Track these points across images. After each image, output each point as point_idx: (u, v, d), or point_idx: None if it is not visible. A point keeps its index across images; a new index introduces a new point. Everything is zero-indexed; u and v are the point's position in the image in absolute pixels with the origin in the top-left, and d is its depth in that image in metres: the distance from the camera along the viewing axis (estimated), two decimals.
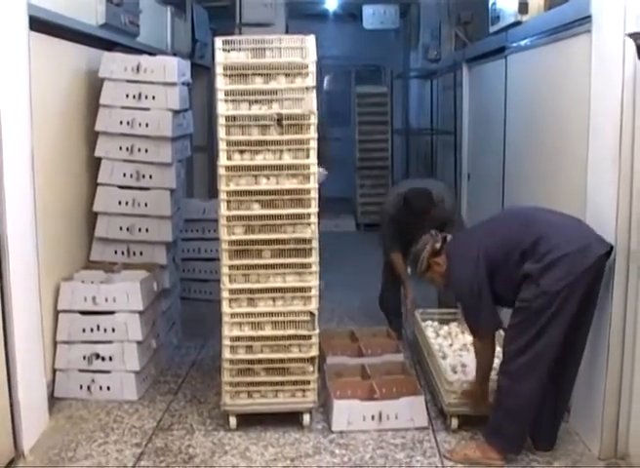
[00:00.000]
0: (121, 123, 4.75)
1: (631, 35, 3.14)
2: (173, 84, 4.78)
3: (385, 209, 5.31)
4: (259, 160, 3.79)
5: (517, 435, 3.61)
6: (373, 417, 4.00)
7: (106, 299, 4.37)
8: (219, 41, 3.75)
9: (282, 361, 3.93)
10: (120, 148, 4.77)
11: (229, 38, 3.77)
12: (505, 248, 3.56)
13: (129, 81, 4.75)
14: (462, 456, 3.69)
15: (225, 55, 3.75)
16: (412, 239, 4.42)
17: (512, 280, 3.52)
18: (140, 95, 4.75)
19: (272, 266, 3.86)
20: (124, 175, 4.81)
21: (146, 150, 4.78)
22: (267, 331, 3.90)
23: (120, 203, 4.81)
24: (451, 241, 3.85)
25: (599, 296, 3.56)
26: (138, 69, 4.74)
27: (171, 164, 4.85)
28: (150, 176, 4.82)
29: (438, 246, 3.82)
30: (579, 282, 3.36)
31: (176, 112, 4.84)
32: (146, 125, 4.75)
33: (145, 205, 4.83)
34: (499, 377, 3.67)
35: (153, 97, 4.76)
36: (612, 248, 3.49)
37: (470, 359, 4.36)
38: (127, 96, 4.75)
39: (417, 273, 3.98)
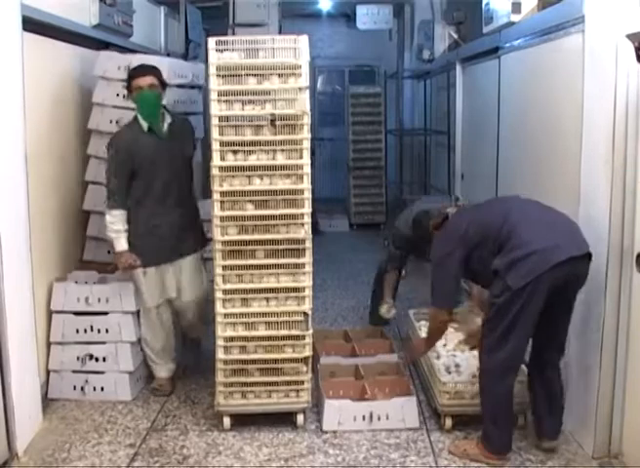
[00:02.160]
0: (111, 122, 4.72)
1: (629, 36, 3.14)
2: None
3: (399, 227, 5.19)
4: (252, 160, 3.79)
5: (500, 436, 3.64)
6: (364, 418, 4.01)
7: (99, 300, 4.37)
8: (211, 41, 3.75)
9: (276, 361, 3.93)
10: None
11: (222, 38, 3.77)
12: (483, 231, 3.61)
13: (120, 80, 4.69)
14: (462, 451, 3.73)
15: (218, 55, 3.74)
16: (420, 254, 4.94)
17: (486, 264, 3.56)
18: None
19: (266, 266, 3.86)
20: None
21: None
22: (261, 332, 3.90)
23: None
24: (450, 223, 3.92)
25: (585, 299, 3.63)
26: (129, 69, 4.67)
27: None
28: None
29: (439, 221, 3.95)
30: (543, 280, 3.37)
31: None
32: None
33: None
34: (479, 376, 3.71)
35: None
36: (589, 253, 3.47)
37: (464, 358, 4.37)
38: (117, 95, 4.71)
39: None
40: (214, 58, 3.74)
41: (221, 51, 3.75)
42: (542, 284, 3.37)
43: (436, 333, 3.98)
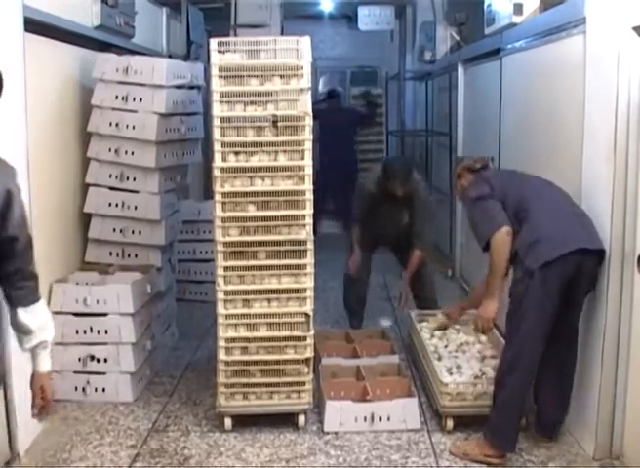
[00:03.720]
0: (110, 124, 4.72)
1: (637, 29, 3.14)
2: (160, 86, 4.68)
3: (364, 183, 5.39)
4: (254, 161, 3.80)
5: (507, 429, 3.65)
6: (365, 419, 4.00)
7: (97, 301, 4.36)
8: (213, 42, 3.75)
9: (277, 362, 3.93)
10: (109, 150, 4.75)
11: (224, 39, 3.77)
12: (504, 195, 3.71)
13: (119, 82, 4.71)
14: (463, 453, 3.74)
15: (220, 56, 3.75)
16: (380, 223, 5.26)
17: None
18: (127, 96, 4.69)
19: (267, 267, 3.86)
20: (109, 176, 4.78)
21: (132, 153, 4.73)
22: (262, 333, 3.90)
23: (110, 204, 4.80)
24: (485, 173, 3.98)
25: (586, 299, 3.65)
26: (127, 70, 4.69)
27: (154, 169, 4.75)
28: (134, 179, 4.78)
29: (477, 166, 4.02)
30: (557, 265, 3.42)
31: (163, 116, 4.72)
32: (133, 127, 4.69)
33: (135, 208, 4.81)
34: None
35: (140, 100, 4.69)
36: (602, 250, 3.52)
37: (465, 359, 4.37)
38: (116, 97, 4.71)
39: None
40: (215, 58, 3.74)
41: (223, 52, 3.75)
42: (556, 269, 3.43)
43: (503, 263, 3.67)
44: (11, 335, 3.58)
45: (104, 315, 4.37)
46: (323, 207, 8.41)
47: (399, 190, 5.04)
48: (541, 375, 3.74)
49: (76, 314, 4.36)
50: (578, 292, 3.58)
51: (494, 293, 3.75)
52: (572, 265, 3.46)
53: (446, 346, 4.67)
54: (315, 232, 4.14)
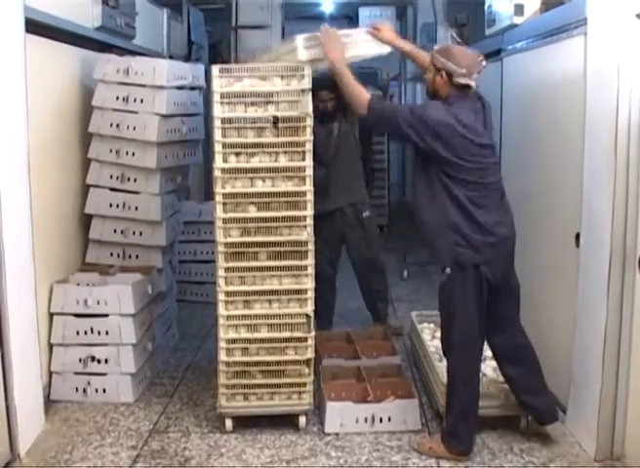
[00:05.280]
0: (111, 125, 4.71)
1: None
2: (161, 87, 4.67)
3: None
4: (254, 162, 3.80)
5: (469, 434, 3.69)
6: (366, 420, 4.00)
7: (98, 302, 4.35)
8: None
9: (278, 363, 3.93)
10: (110, 151, 4.74)
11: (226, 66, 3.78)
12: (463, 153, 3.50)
13: (120, 83, 4.70)
14: (428, 450, 3.75)
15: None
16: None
17: (433, 182, 3.59)
18: (128, 97, 4.68)
19: (268, 268, 3.86)
20: (110, 176, 4.78)
21: (133, 154, 4.72)
22: (263, 334, 3.90)
23: (111, 205, 4.79)
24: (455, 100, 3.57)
25: (587, 300, 3.63)
26: (127, 71, 4.68)
27: (155, 170, 4.74)
28: (135, 180, 4.78)
29: (461, 81, 3.53)
30: (492, 264, 3.55)
31: (164, 117, 4.71)
32: (134, 128, 4.68)
33: (136, 209, 4.80)
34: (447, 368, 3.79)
35: (141, 101, 4.67)
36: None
37: None
38: (117, 98, 4.70)
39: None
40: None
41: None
42: (487, 270, 3.54)
43: (351, 91, 3.71)
44: (12, 335, 3.61)
45: (105, 316, 4.37)
46: None
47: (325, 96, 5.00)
48: (509, 375, 3.81)
49: (77, 315, 4.35)
50: (505, 283, 3.66)
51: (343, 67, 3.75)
52: (502, 265, 3.61)
53: None
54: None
